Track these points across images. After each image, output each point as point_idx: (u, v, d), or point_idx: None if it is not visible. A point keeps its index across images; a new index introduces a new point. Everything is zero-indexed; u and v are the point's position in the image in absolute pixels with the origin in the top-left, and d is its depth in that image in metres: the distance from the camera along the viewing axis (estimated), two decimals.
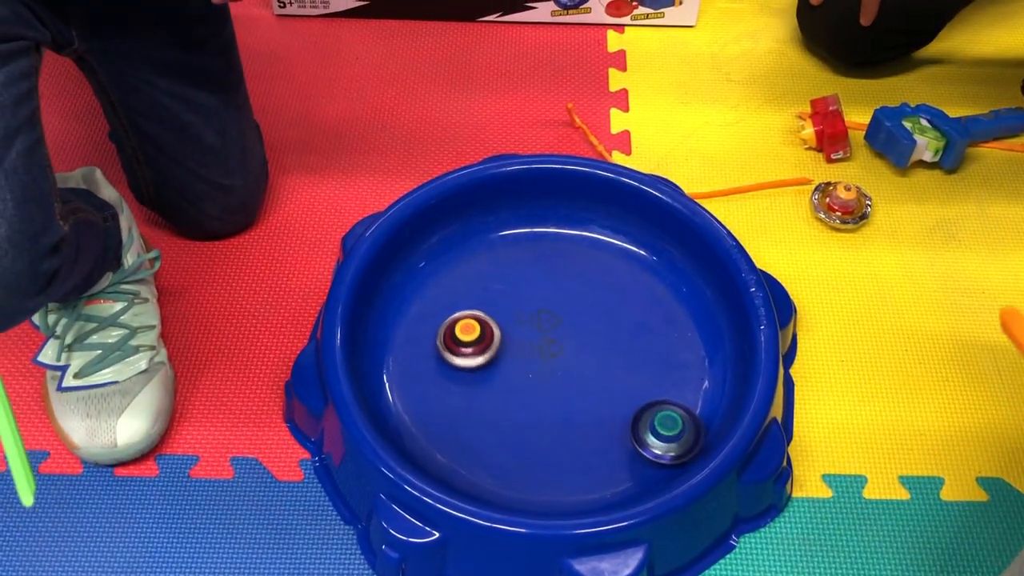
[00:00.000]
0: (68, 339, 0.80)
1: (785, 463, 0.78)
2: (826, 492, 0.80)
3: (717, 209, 0.96)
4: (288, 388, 0.84)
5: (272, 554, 0.76)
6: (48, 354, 0.81)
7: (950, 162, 1.00)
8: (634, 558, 0.70)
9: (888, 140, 1.00)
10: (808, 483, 0.81)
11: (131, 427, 0.79)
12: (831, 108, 1.02)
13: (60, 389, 0.80)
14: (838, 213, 0.97)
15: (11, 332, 0.87)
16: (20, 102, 0.67)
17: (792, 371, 0.87)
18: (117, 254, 0.84)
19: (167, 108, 0.85)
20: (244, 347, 0.88)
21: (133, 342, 0.82)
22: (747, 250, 0.85)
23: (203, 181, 0.90)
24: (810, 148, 1.04)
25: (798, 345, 0.89)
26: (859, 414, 0.85)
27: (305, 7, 1.16)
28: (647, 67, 1.12)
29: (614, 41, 1.15)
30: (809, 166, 1.03)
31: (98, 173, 0.88)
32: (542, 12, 1.15)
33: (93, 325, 0.81)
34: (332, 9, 1.16)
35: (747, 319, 0.80)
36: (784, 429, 0.82)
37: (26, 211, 0.64)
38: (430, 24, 1.16)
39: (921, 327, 0.90)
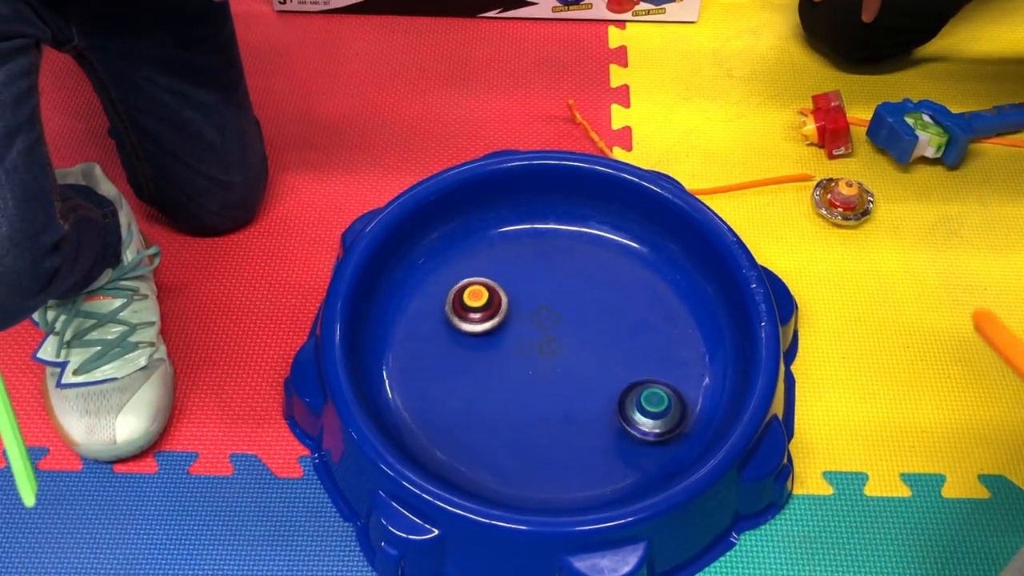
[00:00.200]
0: (67, 335, 0.80)
1: (786, 460, 0.78)
2: (827, 489, 0.80)
3: (718, 205, 0.96)
4: (287, 385, 0.84)
5: (271, 551, 0.76)
6: (47, 350, 0.81)
7: (952, 158, 1.00)
8: (634, 555, 0.70)
9: (890, 136, 1.00)
10: (809, 480, 0.80)
11: (130, 424, 0.79)
12: (833, 104, 1.02)
13: (59, 386, 0.80)
14: (840, 209, 0.96)
15: (10, 329, 0.87)
16: (21, 100, 0.67)
17: (793, 368, 0.87)
18: (116, 251, 0.84)
19: (167, 105, 0.85)
20: (244, 343, 0.88)
21: (132, 338, 0.81)
22: (748, 246, 0.84)
23: (203, 177, 0.90)
24: (812, 144, 1.04)
25: (799, 342, 0.89)
26: (860, 411, 0.84)
27: (305, 4, 1.16)
28: (648, 63, 1.12)
29: (615, 37, 1.15)
30: (811, 162, 1.03)
31: (97, 169, 0.88)
32: (543, 8, 1.15)
33: (92, 322, 0.81)
34: (332, 5, 1.16)
35: (748, 315, 0.80)
36: (785, 426, 0.82)
37: (27, 210, 0.64)
38: (430, 20, 1.16)
39: (923, 324, 0.90)
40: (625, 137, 1.05)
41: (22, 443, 0.62)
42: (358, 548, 0.76)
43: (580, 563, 0.69)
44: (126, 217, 0.86)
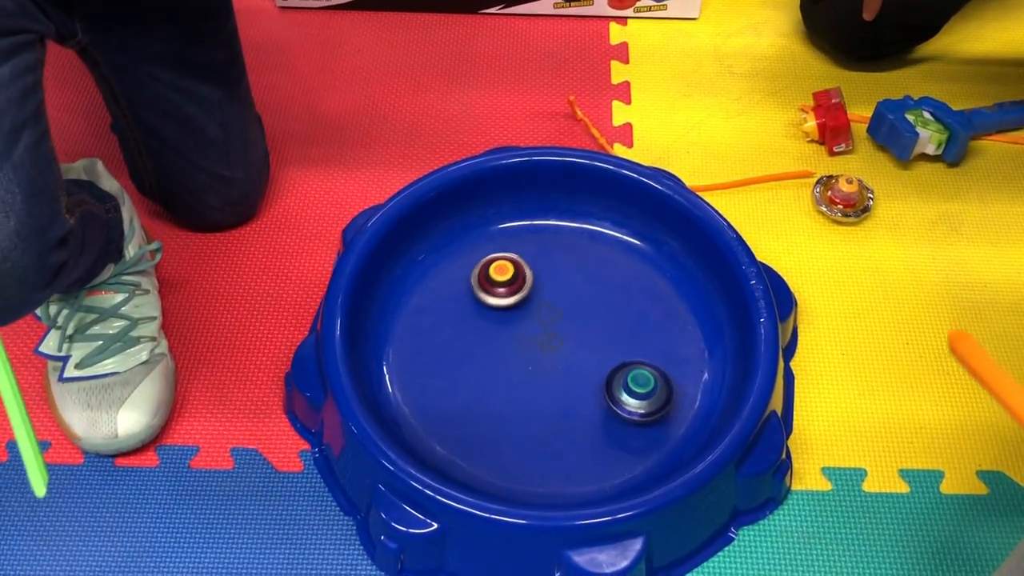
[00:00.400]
0: (69, 330, 0.81)
1: (784, 456, 0.78)
2: (825, 485, 0.80)
3: (719, 202, 0.96)
4: (288, 379, 0.84)
5: (272, 545, 0.77)
6: (50, 345, 0.81)
7: (953, 155, 1.00)
8: (632, 549, 0.70)
9: (891, 133, 1.00)
10: (808, 476, 0.81)
11: (132, 418, 0.79)
12: (833, 101, 1.02)
13: (61, 380, 0.80)
14: (840, 206, 0.96)
15: (13, 323, 0.88)
16: (26, 96, 0.67)
17: (792, 364, 0.87)
18: (119, 246, 0.84)
19: (170, 101, 0.85)
20: (245, 338, 0.89)
21: (134, 333, 0.82)
22: (748, 243, 0.84)
23: (205, 173, 0.90)
24: (812, 141, 1.04)
25: (799, 338, 0.89)
26: (859, 407, 0.84)
27: None
28: (649, 59, 1.12)
29: (616, 33, 1.15)
30: (811, 159, 1.03)
31: (100, 164, 0.88)
32: (544, 4, 1.15)
33: (94, 316, 0.81)
34: (334, 1, 1.16)
35: (747, 312, 0.80)
36: (784, 422, 0.82)
37: (34, 205, 0.64)
38: (432, 16, 1.16)
39: (922, 321, 0.90)
40: (626, 133, 1.05)
41: (33, 435, 0.62)
42: (358, 542, 0.77)
43: (579, 557, 0.70)
44: (128, 212, 0.86)
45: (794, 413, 0.84)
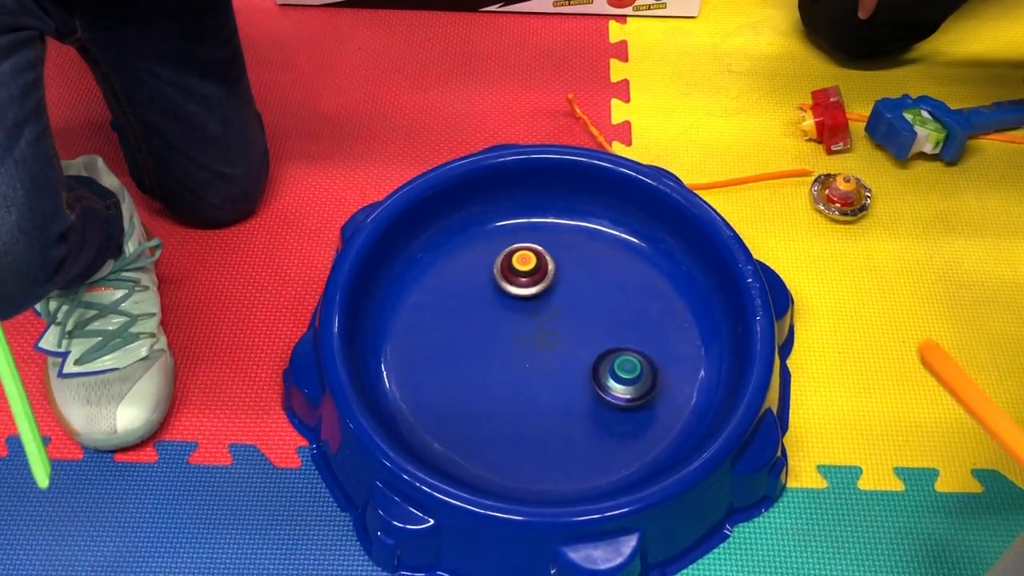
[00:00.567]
0: (69, 326, 0.81)
1: (779, 453, 0.78)
2: (821, 483, 0.80)
3: (717, 200, 0.96)
4: (286, 376, 0.84)
5: (269, 540, 0.77)
6: (49, 340, 0.81)
7: (951, 154, 1.00)
8: (627, 546, 0.70)
9: (889, 132, 1.00)
10: (803, 473, 0.81)
11: (131, 414, 0.79)
12: (832, 100, 1.02)
13: (61, 375, 0.81)
14: (837, 205, 0.97)
15: (13, 319, 0.88)
16: (27, 92, 0.67)
17: (789, 362, 0.87)
18: (119, 242, 0.84)
19: (170, 98, 0.86)
20: (243, 335, 0.89)
21: (133, 329, 0.82)
22: (746, 241, 0.85)
23: (205, 170, 0.90)
24: (810, 139, 1.04)
25: (795, 336, 0.89)
26: (855, 405, 0.85)
27: None
28: (649, 58, 1.12)
29: (616, 31, 1.15)
30: (809, 157, 1.03)
31: (100, 161, 0.89)
32: (544, 2, 1.15)
33: (94, 312, 0.82)
34: (334, 0, 1.16)
35: (744, 310, 0.81)
36: (780, 419, 0.82)
37: (35, 200, 0.64)
38: (432, 14, 1.16)
39: (919, 318, 0.90)
40: (625, 132, 1.05)
41: (36, 426, 0.62)
42: (355, 538, 0.77)
43: (574, 553, 0.70)
44: (128, 209, 0.87)
45: (790, 411, 0.84)
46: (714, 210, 0.86)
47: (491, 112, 1.07)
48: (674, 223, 0.88)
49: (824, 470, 0.81)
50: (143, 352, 0.82)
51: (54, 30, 0.76)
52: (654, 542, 0.73)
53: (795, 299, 0.90)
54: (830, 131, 1.02)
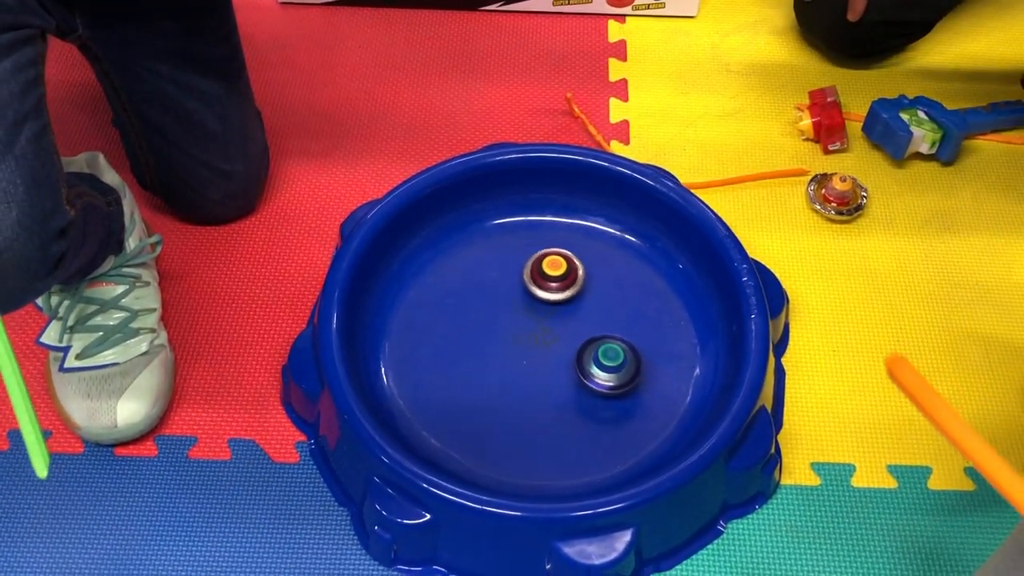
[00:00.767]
0: (70, 321, 0.82)
1: (773, 451, 0.79)
2: (814, 480, 0.81)
3: (714, 199, 0.97)
4: (285, 371, 0.85)
5: (268, 534, 0.78)
6: (51, 335, 0.82)
7: (947, 154, 1.01)
8: (621, 542, 0.71)
9: (885, 132, 1.00)
10: (797, 471, 0.82)
11: (131, 408, 0.80)
12: (829, 99, 1.03)
13: (62, 370, 0.81)
14: (833, 204, 0.97)
15: (15, 313, 0.88)
16: (28, 89, 0.68)
17: (784, 360, 0.88)
18: (119, 238, 0.85)
19: (170, 95, 0.86)
20: (243, 331, 0.90)
21: (134, 324, 0.83)
22: (743, 240, 0.85)
23: (205, 167, 0.91)
24: (808, 139, 1.04)
25: (791, 334, 0.90)
26: (849, 403, 0.85)
27: None
28: (647, 57, 1.13)
29: (615, 31, 1.16)
30: (806, 157, 1.03)
31: (101, 158, 0.89)
32: (543, 1, 1.16)
33: (95, 307, 0.82)
34: None
35: (739, 308, 0.81)
36: (774, 417, 0.83)
37: (36, 196, 0.65)
38: (432, 13, 1.17)
39: (913, 318, 0.91)
40: (623, 131, 1.06)
41: (35, 418, 0.63)
42: (353, 532, 0.78)
43: (569, 548, 0.71)
44: (129, 205, 0.87)
45: (785, 408, 0.85)
46: (710, 209, 0.87)
47: (490, 110, 1.07)
48: (671, 222, 0.89)
49: (818, 467, 0.82)
50: (143, 347, 0.82)
51: (55, 28, 0.77)
52: (648, 538, 0.73)
53: (791, 297, 0.91)
54: (827, 131, 1.02)
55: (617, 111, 1.07)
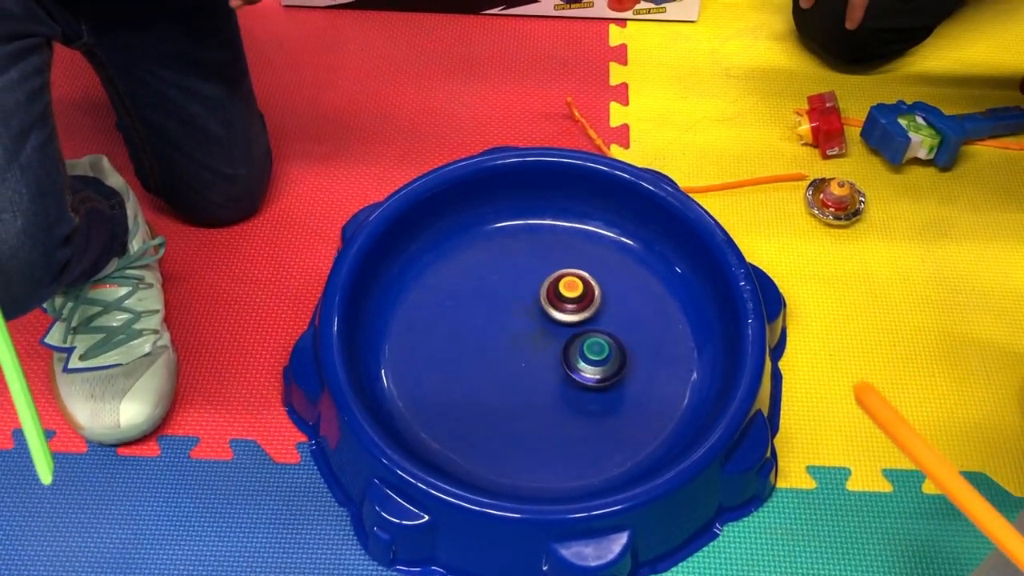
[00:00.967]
0: (74, 322, 0.83)
1: (769, 454, 0.79)
2: (810, 483, 0.82)
3: (712, 203, 0.98)
4: (287, 373, 0.86)
5: (268, 534, 0.79)
6: (55, 336, 0.83)
7: (944, 160, 1.01)
8: (618, 544, 0.72)
9: (883, 137, 1.01)
10: (793, 474, 0.82)
11: (134, 408, 0.81)
12: (828, 105, 1.03)
13: (66, 370, 0.82)
14: (831, 209, 0.98)
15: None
16: (34, 98, 0.69)
17: (781, 364, 0.89)
18: (123, 240, 0.86)
19: (173, 99, 0.87)
20: (245, 332, 0.90)
21: (137, 326, 0.84)
22: (741, 244, 0.86)
23: (208, 170, 0.92)
24: (806, 144, 1.05)
25: (788, 338, 0.90)
26: (845, 407, 0.86)
27: None
28: (648, 61, 1.14)
29: (616, 35, 1.16)
30: (805, 162, 1.04)
31: (105, 161, 0.90)
32: (545, 5, 1.16)
33: (98, 309, 0.83)
34: (338, 1, 1.17)
35: (736, 313, 0.82)
36: (770, 421, 0.84)
37: (41, 204, 0.66)
38: (434, 16, 1.18)
39: (910, 323, 0.92)
40: (623, 135, 1.06)
41: (39, 424, 0.64)
42: (352, 532, 0.79)
43: (565, 550, 0.72)
44: (132, 208, 0.88)
45: (781, 412, 0.86)
46: (708, 214, 0.88)
47: (491, 114, 1.08)
48: (669, 226, 0.90)
49: (813, 471, 0.82)
50: (146, 348, 0.83)
51: (60, 35, 0.77)
52: (644, 540, 0.74)
53: (788, 302, 0.91)
54: (825, 136, 1.03)
55: (617, 115, 1.08)
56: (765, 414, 0.81)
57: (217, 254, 0.96)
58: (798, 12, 1.12)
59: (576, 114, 1.06)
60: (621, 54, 1.14)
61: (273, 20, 1.17)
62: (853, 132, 1.05)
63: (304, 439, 0.84)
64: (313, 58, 1.13)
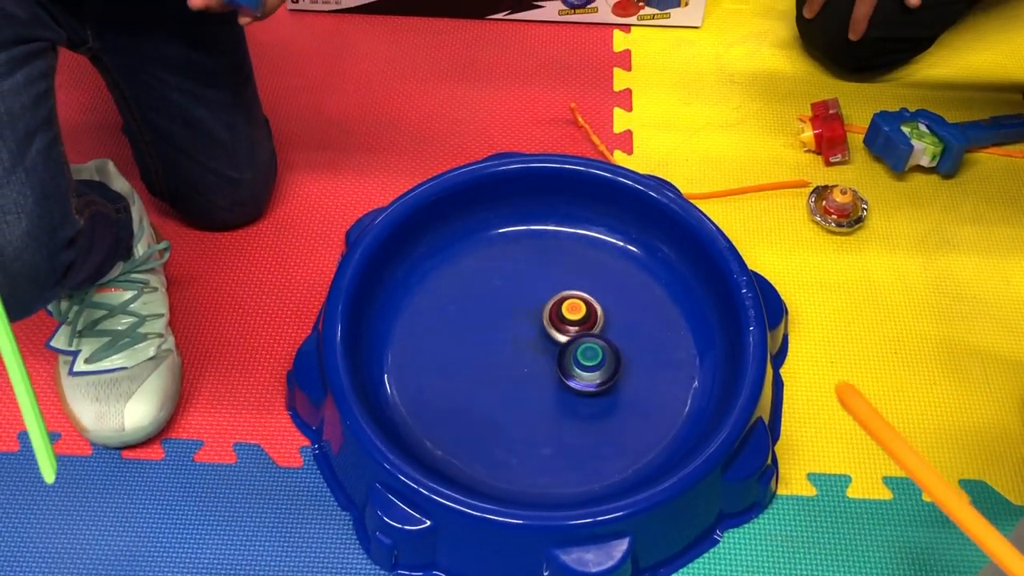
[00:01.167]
0: (79, 325, 0.83)
1: (769, 461, 0.80)
2: (811, 490, 0.82)
3: (715, 210, 0.98)
4: (290, 377, 0.86)
5: (271, 537, 0.79)
6: (60, 339, 0.84)
7: (947, 167, 1.01)
8: (618, 550, 0.72)
9: (886, 144, 1.01)
10: (793, 481, 0.82)
11: (138, 411, 0.81)
12: (831, 112, 1.04)
13: (71, 374, 0.83)
14: (833, 216, 0.98)
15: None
16: (39, 102, 0.69)
17: (782, 371, 0.89)
18: (128, 244, 0.86)
19: (177, 104, 0.88)
20: (249, 336, 0.91)
21: (142, 330, 0.84)
22: (743, 251, 0.86)
23: (213, 174, 0.92)
24: (809, 151, 1.05)
25: (789, 345, 0.91)
26: (846, 414, 0.86)
27: (317, 3, 1.18)
28: (651, 67, 1.14)
29: (620, 41, 1.17)
30: (808, 169, 1.04)
31: (111, 165, 0.91)
32: (550, 11, 1.17)
33: (103, 312, 0.84)
34: (343, 5, 1.18)
35: (737, 320, 0.82)
36: (772, 427, 0.84)
37: (45, 207, 0.66)
38: (439, 21, 1.18)
39: (911, 331, 0.92)
40: (626, 141, 1.07)
41: (43, 423, 0.64)
42: (355, 536, 0.79)
43: (566, 556, 0.72)
44: (138, 212, 0.89)
45: (782, 419, 0.86)
46: (711, 221, 0.88)
47: (496, 120, 1.08)
48: (671, 233, 0.90)
49: (814, 478, 0.83)
50: (151, 352, 0.84)
51: (66, 40, 0.78)
52: (645, 546, 0.74)
53: (790, 308, 0.92)
54: (828, 143, 1.03)
55: (621, 121, 1.09)
56: (766, 421, 0.81)
57: (222, 258, 0.96)
58: (802, 21, 1.12)
59: (580, 120, 1.07)
60: (625, 60, 1.15)
61: (278, 24, 1.17)
62: (856, 139, 1.06)
63: (307, 443, 0.84)
64: (318, 63, 1.14)
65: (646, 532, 0.74)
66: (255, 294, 0.94)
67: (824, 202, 0.99)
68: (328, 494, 0.81)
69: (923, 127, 1.01)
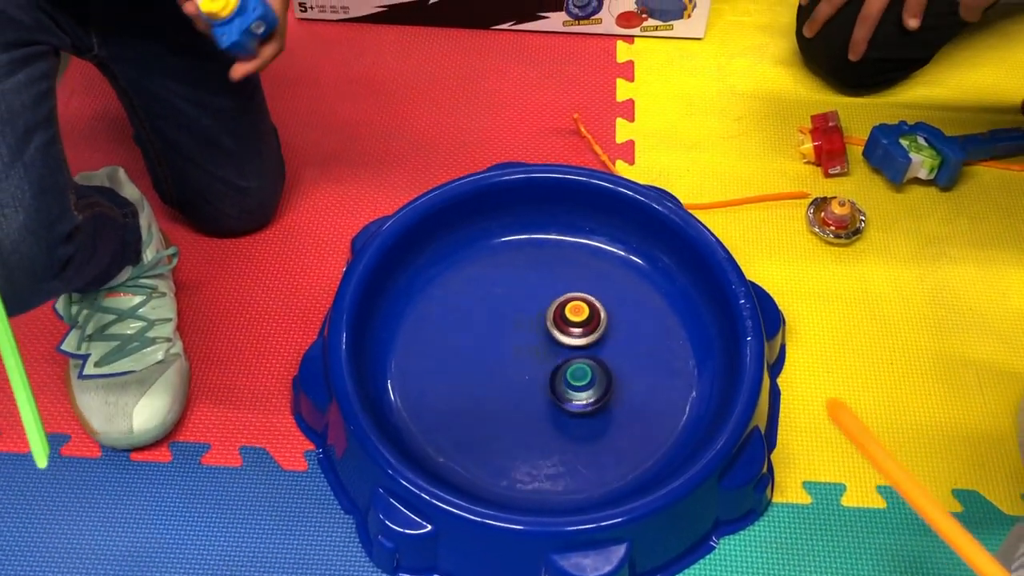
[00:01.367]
0: (89, 329, 0.85)
1: (765, 470, 0.81)
2: (806, 498, 0.83)
3: (715, 220, 0.99)
4: (296, 382, 0.88)
5: (276, 539, 0.81)
6: (70, 343, 0.85)
7: (945, 180, 1.03)
8: (616, 555, 0.74)
9: (884, 157, 1.02)
10: (789, 489, 0.84)
11: (147, 414, 0.83)
12: (830, 124, 1.05)
13: (81, 377, 0.84)
14: (832, 227, 0.99)
15: (38, 321, 0.92)
16: (39, 102, 0.71)
17: (779, 380, 0.90)
18: (136, 249, 0.88)
19: (185, 113, 0.89)
20: (256, 341, 0.92)
21: (150, 334, 0.86)
22: (742, 261, 0.87)
23: (221, 182, 0.94)
24: (809, 162, 1.07)
25: (786, 355, 0.92)
26: None
27: (325, 12, 1.20)
28: (654, 78, 1.15)
29: (623, 52, 1.18)
30: (807, 180, 1.06)
31: (121, 172, 0.92)
32: (554, 22, 1.18)
33: (113, 317, 0.85)
34: (352, 15, 1.20)
35: (735, 330, 0.83)
36: (768, 436, 0.85)
37: (42, 201, 0.68)
38: (445, 31, 1.20)
39: (908, 342, 0.93)
40: (628, 151, 1.08)
41: (35, 407, 0.64)
42: (358, 540, 0.80)
43: (564, 561, 0.73)
44: (147, 218, 0.90)
45: (779, 428, 0.87)
46: (710, 232, 0.89)
47: (500, 129, 1.10)
48: (671, 243, 0.91)
49: (809, 486, 0.84)
50: (159, 356, 0.85)
51: (70, 45, 0.80)
52: (642, 552, 0.76)
53: (787, 319, 0.93)
54: (828, 155, 1.04)
55: (623, 131, 1.10)
56: (763, 430, 0.83)
57: (230, 264, 0.98)
58: (802, 39, 1.13)
59: (582, 130, 1.08)
60: (628, 70, 1.16)
61: (287, 33, 1.18)
62: (855, 151, 1.07)
63: (312, 447, 0.86)
64: (326, 72, 1.15)
65: (643, 538, 0.75)
66: (262, 300, 0.95)
67: (823, 213, 1.00)
68: (332, 498, 0.83)
69: (921, 140, 1.02)
